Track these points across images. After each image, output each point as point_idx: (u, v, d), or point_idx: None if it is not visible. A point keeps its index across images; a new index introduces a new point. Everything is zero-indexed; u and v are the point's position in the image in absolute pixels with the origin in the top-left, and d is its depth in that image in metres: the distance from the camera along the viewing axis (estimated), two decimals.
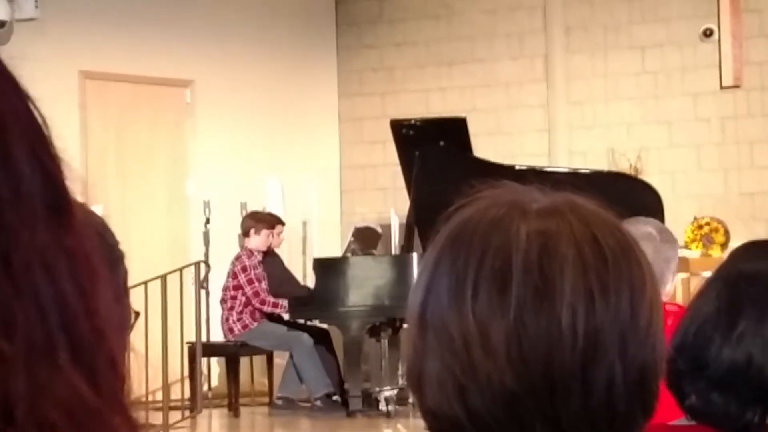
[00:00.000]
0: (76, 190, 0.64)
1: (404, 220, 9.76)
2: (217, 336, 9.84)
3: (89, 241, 0.64)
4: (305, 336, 9.58)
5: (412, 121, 9.84)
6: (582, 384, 1.07)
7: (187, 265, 9.54)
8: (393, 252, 10.12)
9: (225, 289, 9.71)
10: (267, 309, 9.63)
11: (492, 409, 1.07)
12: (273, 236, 9.97)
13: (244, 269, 9.65)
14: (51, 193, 0.61)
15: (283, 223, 10.19)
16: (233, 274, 9.69)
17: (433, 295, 1.12)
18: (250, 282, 9.61)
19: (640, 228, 3.34)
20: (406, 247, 9.52)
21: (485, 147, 10.32)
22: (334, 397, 9.48)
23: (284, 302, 9.64)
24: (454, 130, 9.58)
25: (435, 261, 1.13)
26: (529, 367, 1.06)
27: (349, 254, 9.92)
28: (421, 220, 9.13)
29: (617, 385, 1.08)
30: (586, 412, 1.07)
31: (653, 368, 1.11)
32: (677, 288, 9.47)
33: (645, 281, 1.12)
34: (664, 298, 3.65)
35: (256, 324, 9.63)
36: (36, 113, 0.62)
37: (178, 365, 9.29)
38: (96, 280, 0.63)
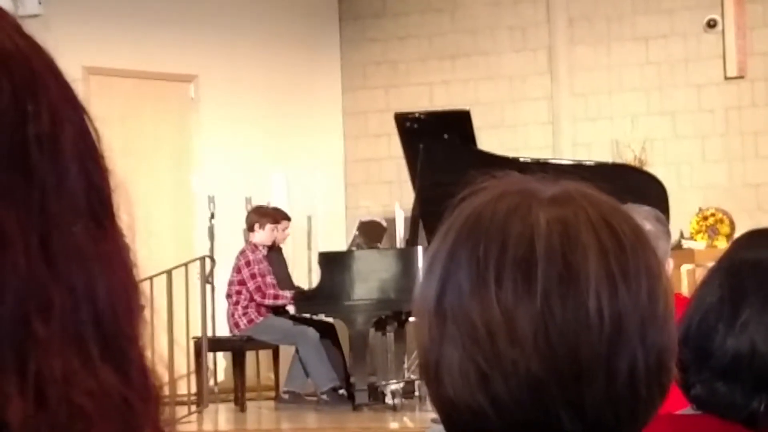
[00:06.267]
0: (120, 202, 0.66)
1: (409, 214, 9.76)
2: (223, 331, 9.84)
3: (126, 253, 0.65)
4: (311, 330, 9.58)
5: (416, 114, 9.83)
6: (606, 369, 1.08)
7: (193, 260, 9.55)
8: (398, 245, 10.11)
9: (230, 283, 9.72)
10: (269, 302, 9.62)
11: (517, 396, 1.08)
12: (277, 231, 9.98)
13: (248, 264, 9.65)
14: (93, 199, 0.64)
15: (288, 219, 10.19)
16: (237, 269, 9.69)
17: (452, 284, 1.12)
18: (252, 277, 9.61)
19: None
20: (411, 240, 9.52)
21: (489, 140, 10.31)
22: (340, 391, 9.48)
23: (287, 293, 9.63)
24: (458, 122, 9.58)
25: (450, 251, 1.13)
26: (556, 352, 1.07)
27: (354, 248, 9.92)
28: (426, 213, 9.13)
29: (639, 370, 1.09)
30: (610, 398, 1.08)
31: (670, 353, 1.12)
32: (683, 279, 9.48)
33: (660, 267, 1.13)
34: None
35: (261, 318, 9.64)
36: (90, 127, 0.66)
37: (184, 360, 9.30)
38: (130, 291, 0.65)
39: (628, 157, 10.78)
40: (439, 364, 1.12)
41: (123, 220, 0.67)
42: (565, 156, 10.81)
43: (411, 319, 9.58)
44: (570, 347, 1.07)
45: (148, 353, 0.66)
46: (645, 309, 1.10)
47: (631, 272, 1.09)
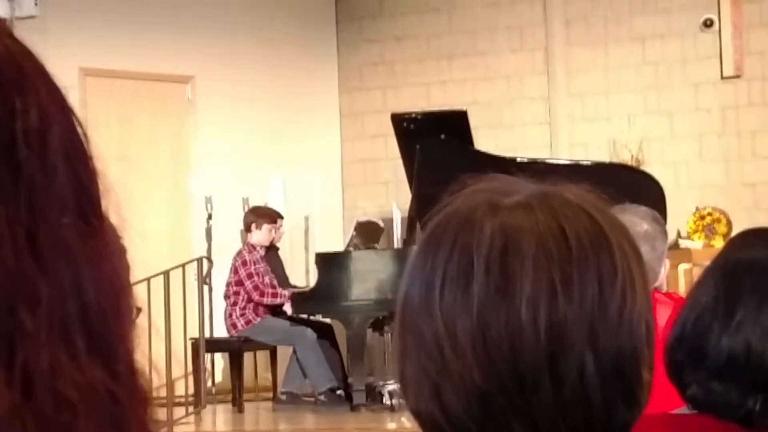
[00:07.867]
0: (109, 202, 0.67)
1: (406, 214, 9.76)
2: (221, 331, 9.84)
3: (115, 252, 0.66)
4: (308, 331, 9.58)
5: (413, 115, 9.83)
6: (551, 378, 1.06)
7: (190, 261, 9.55)
8: (395, 246, 10.12)
9: (228, 284, 9.73)
10: (267, 300, 9.62)
11: (467, 408, 1.07)
12: (275, 231, 9.99)
13: (244, 263, 9.67)
14: (81, 197, 0.64)
15: (282, 217, 10.20)
16: (234, 269, 9.70)
17: (409, 296, 1.12)
18: (249, 276, 9.62)
19: (635, 226, 3.27)
20: (408, 240, 9.52)
21: (486, 140, 10.32)
22: (338, 392, 9.49)
23: (284, 291, 9.64)
24: (455, 123, 9.58)
25: (413, 263, 1.14)
26: (496, 364, 1.06)
27: (351, 248, 9.92)
28: (423, 214, 9.07)
29: (589, 375, 1.06)
30: (558, 406, 1.06)
31: (632, 355, 1.09)
32: (680, 278, 9.49)
33: (615, 268, 1.09)
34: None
35: (259, 319, 9.64)
36: (78, 128, 0.66)
37: (181, 361, 9.30)
38: (118, 289, 0.65)
39: (625, 157, 10.78)
40: (403, 374, 1.13)
41: (112, 222, 0.68)
42: (563, 156, 10.81)
43: None
44: (508, 358, 1.06)
45: (142, 355, 0.66)
46: (593, 313, 1.07)
47: (575, 278, 1.07)
